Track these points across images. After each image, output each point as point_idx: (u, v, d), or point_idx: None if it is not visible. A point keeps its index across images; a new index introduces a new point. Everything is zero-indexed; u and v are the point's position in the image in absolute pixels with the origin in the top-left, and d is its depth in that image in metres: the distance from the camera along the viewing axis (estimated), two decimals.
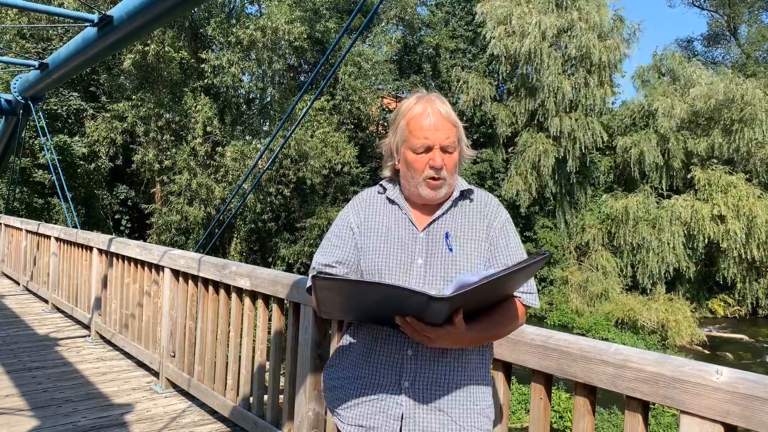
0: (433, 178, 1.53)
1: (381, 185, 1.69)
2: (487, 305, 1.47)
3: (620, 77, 24.25)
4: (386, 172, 1.67)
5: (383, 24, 23.24)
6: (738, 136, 21.66)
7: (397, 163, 1.61)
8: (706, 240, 21.45)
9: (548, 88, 22.37)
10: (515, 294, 1.54)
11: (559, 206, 23.77)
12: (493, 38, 22.44)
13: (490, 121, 23.94)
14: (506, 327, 1.53)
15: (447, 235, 1.56)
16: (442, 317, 1.34)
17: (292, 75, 22.70)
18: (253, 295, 3.36)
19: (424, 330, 1.36)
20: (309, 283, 1.61)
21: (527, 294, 1.56)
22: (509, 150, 24.00)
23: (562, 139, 22.68)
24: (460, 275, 1.34)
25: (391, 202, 1.63)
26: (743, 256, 21.34)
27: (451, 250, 1.53)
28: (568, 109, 22.93)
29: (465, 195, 1.63)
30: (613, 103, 25.47)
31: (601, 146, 23.82)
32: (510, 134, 23.75)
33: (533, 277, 1.56)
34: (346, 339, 1.65)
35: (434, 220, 1.58)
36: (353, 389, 1.56)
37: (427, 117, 1.52)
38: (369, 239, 1.60)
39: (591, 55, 22.45)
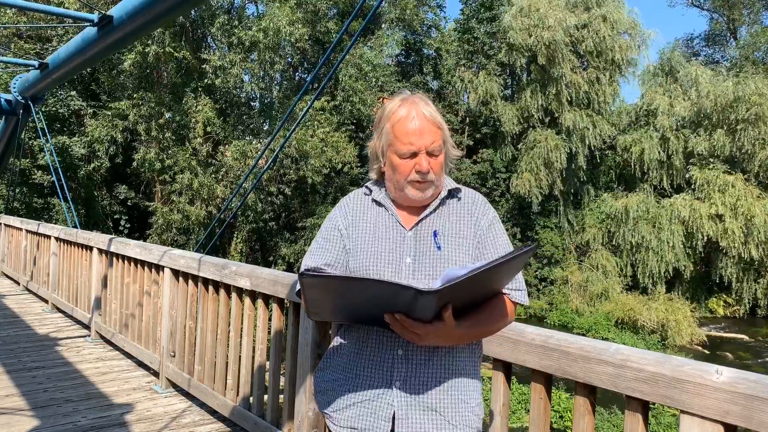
0: (419, 181, 1.53)
1: (367, 187, 1.69)
2: (475, 302, 1.46)
3: (625, 78, 24.32)
4: (372, 175, 1.67)
5: (385, 26, 23.24)
6: (743, 134, 21.64)
7: (382, 166, 1.61)
8: (705, 239, 21.45)
9: (562, 82, 22.47)
10: (504, 291, 1.54)
11: (563, 205, 23.78)
12: (512, 29, 22.45)
13: (494, 120, 23.94)
14: (495, 324, 1.53)
15: (435, 234, 1.56)
16: (431, 313, 1.34)
17: (292, 75, 22.72)
18: (253, 295, 3.36)
19: (413, 326, 1.35)
20: (299, 285, 1.62)
21: (516, 291, 1.56)
22: (518, 146, 23.98)
23: (573, 134, 22.76)
24: (448, 269, 1.34)
25: (378, 204, 1.64)
26: (742, 256, 21.34)
27: (439, 248, 1.54)
28: (580, 105, 23.02)
29: (453, 194, 1.63)
30: (614, 102, 25.57)
31: (602, 146, 23.85)
32: (518, 132, 23.75)
33: (522, 274, 1.56)
34: (337, 341, 1.65)
35: (422, 219, 1.58)
36: (344, 391, 1.56)
37: (412, 121, 1.51)
38: (357, 240, 1.60)
39: (606, 53, 22.62)
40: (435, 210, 1.59)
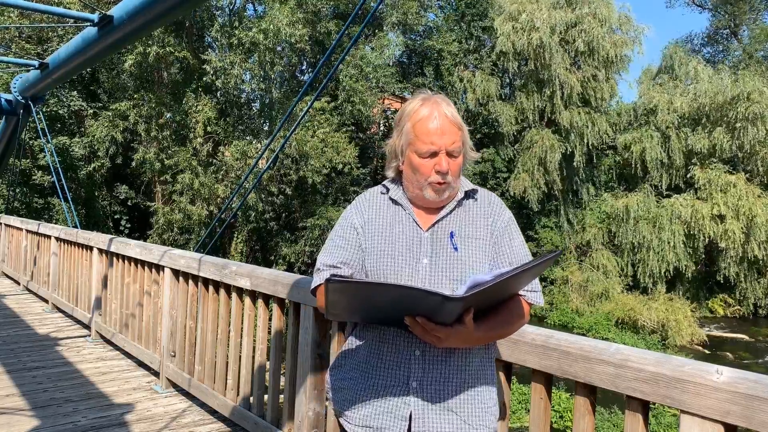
0: (439, 182, 1.53)
1: (384, 185, 1.68)
2: (494, 304, 1.47)
3: (625, 78, 24.38)
4: (390, 173, 1.67)
5: (385, 28, 23.22)
6: (742, 133, 21.60)
7: (401, 164, 1.61)
8: (706, 239, 21.44)
9: (557, 83, 22.47)
10: (520, 293, 1.54)
11: (563, 205, 23.76)
12: (502, 35, 22.46)
13: (493, 120, 23.96)
14: (513, 326, 1.54)
15: (452, 235, 1.56)
16: (454, 317, 1.35)
17: (292, 76, 22.70)
18: (254, 295, 3.36)
19: (434, 330, 1.36)
20: (316, 283, 1.61)
21: (532, 292, 1.56)
22: (515, 147, 24.00)
23: (571, 134, 22.76)
24: (474, 275, 1.34)
25: (395, 202, 1.63)
26: (743, 256, 21.33)
27: (456, 249, 1.54)
28: (576, 104, 23.01)
29: (469, 195, 1.63)
30: (612, 101, 25.56)
31: (602, 145, 23.84)
32: (516, 132, 23.75)
33: (538, 276, 1.57)
34: (352, 340, 1.64)
35: (439, 220, 1.58)
36: (360, 390, 1.56)
37: (433, 120, 1.51)
38: (373, 240, 1.59)
39: (599, 51, 22.59)
40: (452, 211, 1.60)
